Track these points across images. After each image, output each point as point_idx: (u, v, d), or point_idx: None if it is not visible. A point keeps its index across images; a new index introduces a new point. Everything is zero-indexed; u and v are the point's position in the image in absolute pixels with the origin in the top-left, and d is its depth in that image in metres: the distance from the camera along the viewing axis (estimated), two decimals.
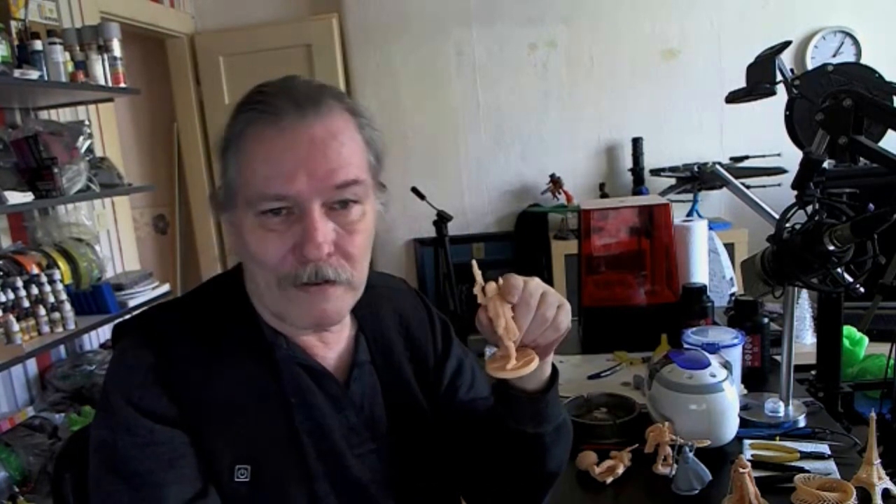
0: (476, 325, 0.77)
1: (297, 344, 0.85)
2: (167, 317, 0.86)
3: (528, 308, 0.75)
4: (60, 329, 2.13)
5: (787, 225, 1.10)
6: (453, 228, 3.54)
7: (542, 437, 0.86)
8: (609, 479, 1.10)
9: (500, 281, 0.76)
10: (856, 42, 3.41)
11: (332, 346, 0.89)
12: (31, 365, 2.38)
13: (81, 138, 2.40)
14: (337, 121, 0.78)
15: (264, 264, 0.78)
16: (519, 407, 0.85)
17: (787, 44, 1.47)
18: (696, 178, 3.18)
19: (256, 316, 0.85)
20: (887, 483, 0.99)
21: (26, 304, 2.05)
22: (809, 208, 1.09)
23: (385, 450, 0.88)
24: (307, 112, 0.76)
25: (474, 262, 0.79)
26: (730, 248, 2.94)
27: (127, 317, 0.89)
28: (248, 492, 0.79)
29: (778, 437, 1.18)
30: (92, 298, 2.31)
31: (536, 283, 0.77)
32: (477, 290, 0.76)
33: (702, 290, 1.56)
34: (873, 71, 1.33)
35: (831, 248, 1.02)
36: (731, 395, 1.14)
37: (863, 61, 3.22)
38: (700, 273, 1.77)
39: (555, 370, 0.86)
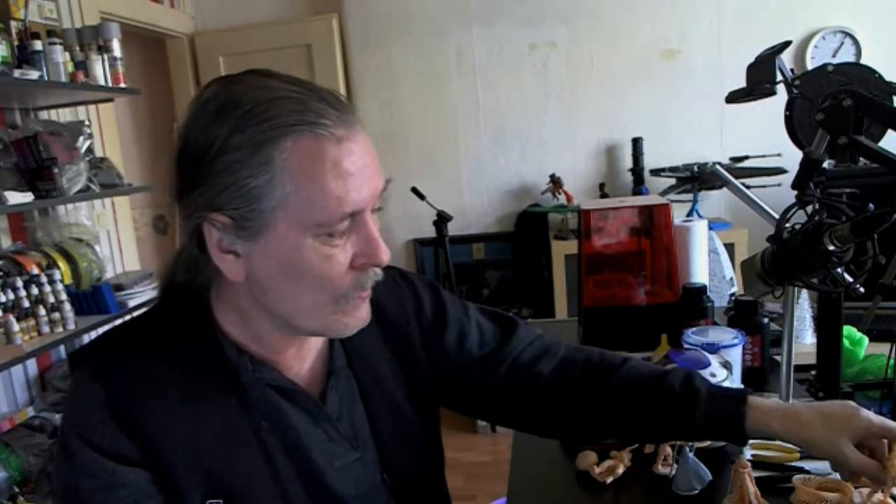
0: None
1: (266, 361, 0.80)
2: (120, 343, 0.79)
3: None
4: (60, 329, 2.14)
5: (787, 225, 1.10)
6: (453, 228, 3.55)
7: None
8: (609, 479, 1.10)
9: None
10: (856, 42, 3.41)
11: (306, 357, 0.84)
12: (31, 365, 2.38)
13: (81, 138, 2.40)
14: (360, 122, 0.75)
15: (330, 283, 0.73)
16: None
17: (787, 44, 1.46)
18: (696, 178, 3.19)
19: (219, 336, 0.78)
20: None
21: (26, 304, 2.05)
22: (809, 208, 1.09)
23: (367, 456, 0.86)
24: (348, 117, 0.72)
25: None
26: (730, 248, 2.95)
27: (80, 346, 0.82)
28: None
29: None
30: (92, 299, 2.31)
31: None
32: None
33: (702, 290, 1.56)
34: (873, 71, 1.32)
35: (831, 248, 1.02)
36: None
37: (863, 61, 3.22)
38: (700, 273, 1.77)
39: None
